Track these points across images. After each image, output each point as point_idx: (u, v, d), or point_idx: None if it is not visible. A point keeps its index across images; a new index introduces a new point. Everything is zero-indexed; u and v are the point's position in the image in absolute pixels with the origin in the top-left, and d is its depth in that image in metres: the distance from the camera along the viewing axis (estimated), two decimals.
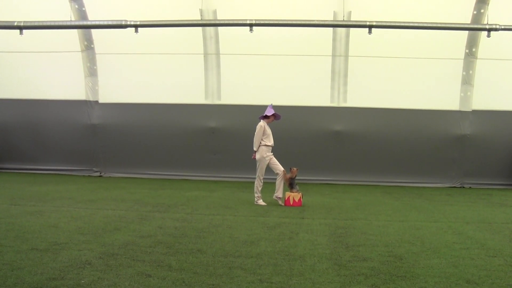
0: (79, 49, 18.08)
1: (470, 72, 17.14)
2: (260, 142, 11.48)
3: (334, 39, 17.24)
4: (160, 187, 15.06)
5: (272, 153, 11.59)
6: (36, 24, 15.78)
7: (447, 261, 6.19)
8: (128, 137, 18.43)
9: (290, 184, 11.53)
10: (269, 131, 11.60)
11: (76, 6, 17.19)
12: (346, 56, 17.37)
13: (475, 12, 16.31)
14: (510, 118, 17.45)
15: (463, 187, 17.72)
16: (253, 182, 11.71)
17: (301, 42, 17.11)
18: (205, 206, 10.94)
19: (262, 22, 15.40)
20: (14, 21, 15.66)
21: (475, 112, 17.40)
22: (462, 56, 17.08)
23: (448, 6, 16.46)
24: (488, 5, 15.96)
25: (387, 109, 17.64)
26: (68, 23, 16.23)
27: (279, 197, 11.57)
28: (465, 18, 16.31)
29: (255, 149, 11.57)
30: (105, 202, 11.19)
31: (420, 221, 9.67)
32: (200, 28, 17.26)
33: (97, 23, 16.06)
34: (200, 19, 16.49)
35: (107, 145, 18.63)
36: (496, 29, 15.03)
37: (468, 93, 17.33)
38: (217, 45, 17.64)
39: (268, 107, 11.79)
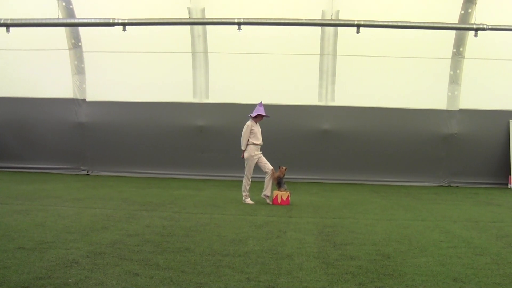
0: (67, 47, 17.99)
1: (458, 71, 17.26)
2: (248, 141, 11.45)
3: (322, 38, 17.29)
4: (148, 186, 15.01)
5: (260, 152, 11.56)
6: (23, 21, 15.69)
7: (435, 260, 6.22)
8: (116, 135, 18.36)
9: (278, 183, 11.50)
10: (257, 130, 11.53)
11: (64, 4, 17.10)
12: (334, 55, 17.42)
13: (462, 12, 16.42)
14: (497, 117, 17.60)
15: (450, 186, 17.83)
16: (241, 181, 11.70)
17: (289, 41, 17.15)
18: (192, 205, 10.91)
19: (250, 21, 15.44)
20: (1, 19, 15.57)
21: (462, 111, 17.53)
22: (450, 55, 17.20)
23: (436, 6, 16.56)
24: (475, 5, 16.10)
25: (375, 108, 17.72)
26: (56, 21, 16.14)
27: (267, 196, 11.55)
28: (453, 17, 16.43)
29: (243, 148, 11.53)
30: (92, 200, 11.13)
31: (408, 219, 9.71)
32: (188, 26, 17.24)
33: (84, 21, 16.01)
34: (188, 17, 16.46)
35: (94, 144, 18.55)
36: (483, 29, 15.16)
37: (456, 92, 17.44)
38: (205, 44, 17.62)
39: (257, 105, 11.71)
